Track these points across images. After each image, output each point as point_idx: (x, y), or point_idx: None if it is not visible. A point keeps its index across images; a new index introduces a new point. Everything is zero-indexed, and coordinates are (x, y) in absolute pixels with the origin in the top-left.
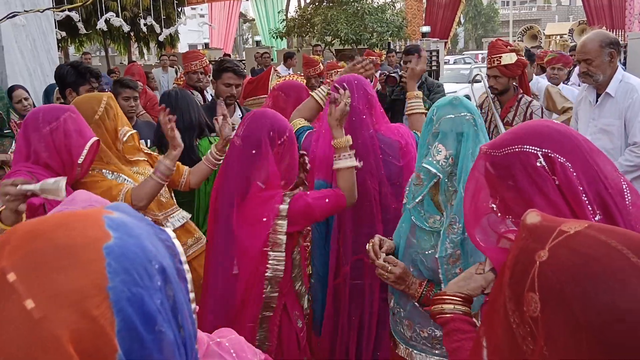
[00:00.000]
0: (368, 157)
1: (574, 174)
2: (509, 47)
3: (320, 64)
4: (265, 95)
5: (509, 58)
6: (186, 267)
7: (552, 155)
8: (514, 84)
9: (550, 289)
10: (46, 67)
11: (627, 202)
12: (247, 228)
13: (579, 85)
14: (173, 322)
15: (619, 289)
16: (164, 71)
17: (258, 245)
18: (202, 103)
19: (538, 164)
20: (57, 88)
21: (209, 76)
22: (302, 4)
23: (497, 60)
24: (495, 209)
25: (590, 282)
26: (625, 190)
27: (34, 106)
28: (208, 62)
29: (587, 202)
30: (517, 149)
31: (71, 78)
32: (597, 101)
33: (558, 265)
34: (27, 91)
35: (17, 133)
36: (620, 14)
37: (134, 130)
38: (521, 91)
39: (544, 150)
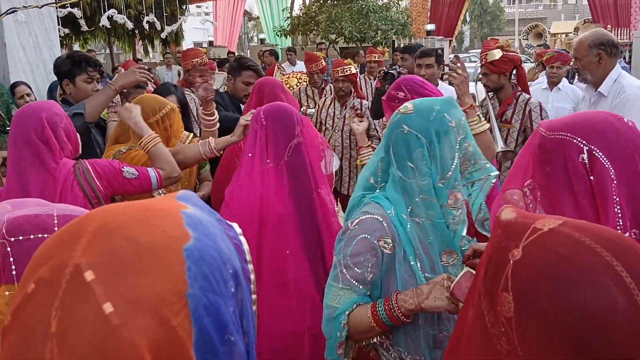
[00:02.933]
0: None
1: (614, 181)
2: (496, 44)
3: (323, 60)
4: None
5: (492, 55)
6: (250, 266)
7: (597, 153)
8: (511, 81)
9: (523, 289)
10: (49, 64)
11: None
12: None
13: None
14: (240, 329)
15: (590, 288)
16: (168, 69)
17: None
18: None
19: (579, 159)
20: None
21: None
22: (307, 2)
23: (485, 57)
24: (526, 192)
25: (562, 281)
26: None
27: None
28: (208, 60)
29: (618, 213)
30: (564, 136)
31: (66, 68)
32: (591, 100)
33: (531, 265)
34: (29, 87)
35: None
36: (626, 12)
37: (192, 135)
38: (519, 89)
39: (590, 146)
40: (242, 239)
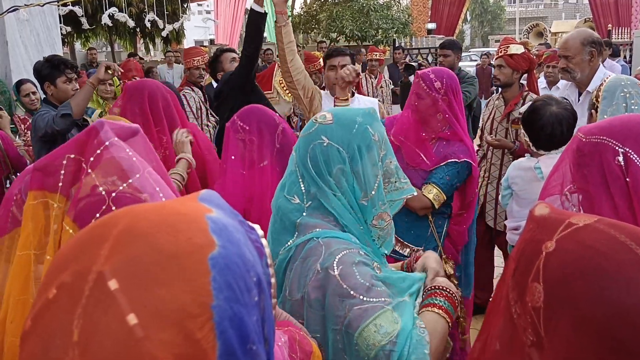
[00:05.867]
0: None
1: None
2: (519, 42)
3: (321, 60)
4: (270, 92)
5: (515, 48)
6: (271, 270)
7: (632, 155)
8: (520, 81)
9: (555, 280)
10: None
11: None
12: None
13: None
14: (262, 338)
15: (624, 284)
16: (169, 67)
17: None
18: (203, 99)
19: (615, 161)
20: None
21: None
22: (308, 1)
23: (505, 50)
24: (568, 196)
25: (597, 276)
26: None
27: (41, 100)
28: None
29: None
30: (600, 140)
31: (46, 71)
32: (579, 100)
33: (564, 257)
34: (35, 85)
35: (20, 128)
36: (627, 12)
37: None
38: (526, 88)
39: (625, 148)
40: (264, 241)
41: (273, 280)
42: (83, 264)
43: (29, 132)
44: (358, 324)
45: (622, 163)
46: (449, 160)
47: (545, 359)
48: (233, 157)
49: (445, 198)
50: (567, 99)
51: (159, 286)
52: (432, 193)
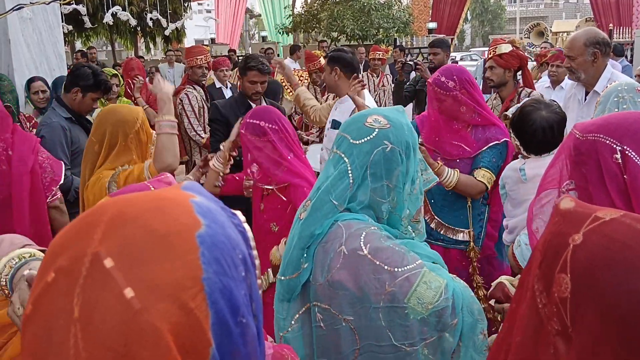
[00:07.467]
0: None
1: None
2: (507, 40)
3: (321, 59)
4: None
5: (503, 48)
6: (255, 252)
7: (630, 153)
8: (515, 79)
9: (583, 272)
10: (52, 61)
11: None
12: None
13: None
14: (251, 312)
15: None
16: (170, 66)
17: None
18: (205, 99)
19: (613, 159)
20: (63, 82)
21: (229, 71)
22: (309, 0)
23: (494, 51)
24: (564, 191)
25: (622, 268)
26: None
27: (52, 99)
28: (221, 58)
29: None
30: (597, 138)
31: (87, 81)
32: (585, 99)
33: (592, 249)
34: (46, 84)
35: (25, 125)
36: (628, 11)
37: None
38: (521, 85)
39: (623, 146)
40: (246, 226)
41: (257, 262)
42: (78, 248)
43: (34, 130)
44: (406, 291)
45: (620, 161)
46: (491, 143)
47: (571, 349)
48: (290, 157)
49: (494, 178)
50: (555, 101)
51: (152, 262)
52: (486, 177)
